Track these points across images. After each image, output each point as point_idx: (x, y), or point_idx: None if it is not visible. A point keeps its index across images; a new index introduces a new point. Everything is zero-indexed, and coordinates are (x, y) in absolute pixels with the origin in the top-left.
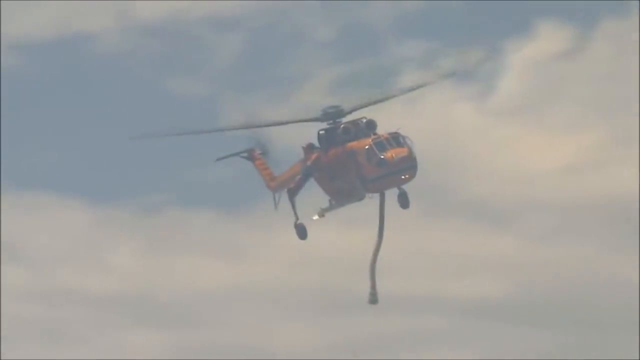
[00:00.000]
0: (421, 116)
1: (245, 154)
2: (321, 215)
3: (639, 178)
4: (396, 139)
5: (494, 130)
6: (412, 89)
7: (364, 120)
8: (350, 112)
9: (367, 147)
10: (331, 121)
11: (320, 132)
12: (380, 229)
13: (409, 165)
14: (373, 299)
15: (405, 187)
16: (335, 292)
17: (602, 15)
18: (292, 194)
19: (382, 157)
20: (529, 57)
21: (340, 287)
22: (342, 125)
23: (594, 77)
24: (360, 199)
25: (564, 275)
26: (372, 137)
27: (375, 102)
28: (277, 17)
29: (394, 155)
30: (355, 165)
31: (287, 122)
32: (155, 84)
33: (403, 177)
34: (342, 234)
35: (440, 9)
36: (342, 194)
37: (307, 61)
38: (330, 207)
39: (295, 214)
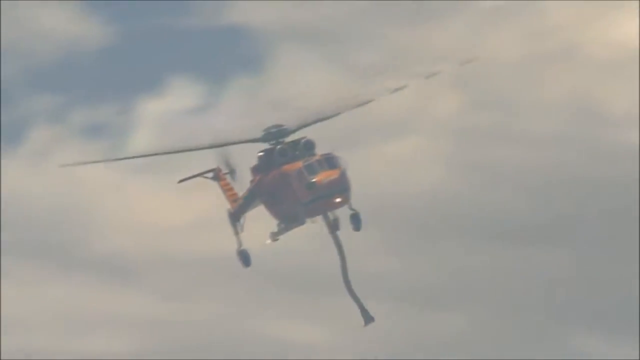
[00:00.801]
0: (48, 173)
1: (210, 174)
2: (274, 239)
3: None
4: (329, 161)
5: (125, 185)
6: (361, 104)
7: (303, 141)
8: (294, 132)
9: (297, 170)
10: (274, 141)
11: (259, 154)
12: (339, 250)
13: (340, 188)
14: (367, 317)
15: (356, 208)
16: None
17: (233, 72)
18: (235, 218)
19: (312, 180)
20: (161, 112)
21: None
22: (277, 147)
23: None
24: (301, 223)
25: (196, 331)
26: (305, 159)
27: (320, 120)
28: None
29: (323, 178)
30: (290, 188)
31: (227, 144)
32: None
33: (336, 200)
34: None
35: (73, 63)
36: (286, 217)
37: None
38: (280, 231)
39: (238, 239)
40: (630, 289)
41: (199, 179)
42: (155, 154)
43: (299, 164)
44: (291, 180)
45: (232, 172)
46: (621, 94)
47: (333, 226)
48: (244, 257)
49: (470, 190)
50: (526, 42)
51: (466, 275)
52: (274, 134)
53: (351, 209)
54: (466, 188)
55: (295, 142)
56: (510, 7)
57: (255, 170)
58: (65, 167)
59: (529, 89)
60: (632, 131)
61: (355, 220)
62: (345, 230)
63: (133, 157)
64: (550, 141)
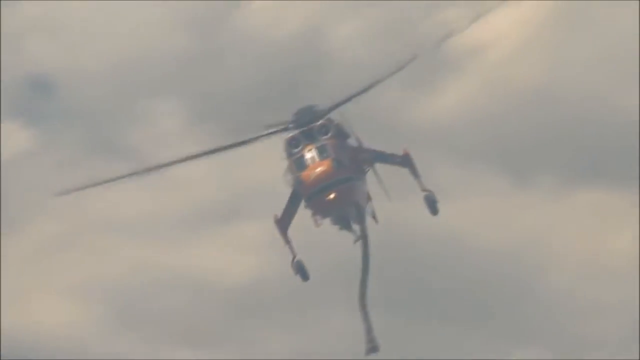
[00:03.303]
0: None
1: None
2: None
3: None
4: (322, 150)
5: None
6: (399, 69)
7: (317, 125)
8: (328, 112)
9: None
10: (306, 127)
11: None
12: (362, 260)
13: (329, 182)
14: (372, 346)
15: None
16: None
17: None
18: (282, 225)
19: (298, 176)
20: None
21: None
22: (288, 136)
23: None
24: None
25: None
26: (299, 150)
27: (356, 95)
28: None
29: (310, 173)
30: None
31: (255, 138)
32: None
33: (329, 197)
34: None
35: None
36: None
37: None
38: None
39: (291, 249)
40: None
41: None
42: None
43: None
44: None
45: None
46: None
47: (428, 205)
48: (300, 269)
49: None
50: None
51: None
52: (305, 119)
53: (424, 189)
54: None
55: (312, 127)
56: None
57: None
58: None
59: None
60: None
61: (430, 202)
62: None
63: (141, 172)
64: None
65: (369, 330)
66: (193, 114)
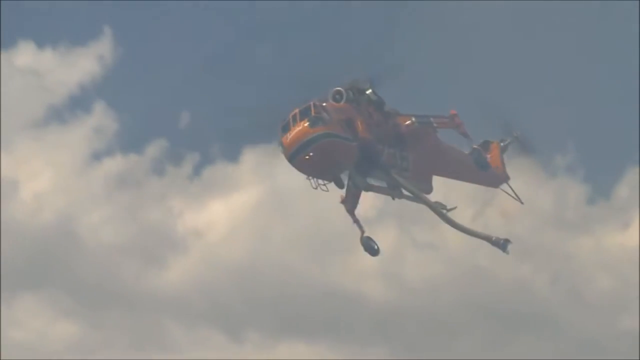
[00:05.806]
0: None
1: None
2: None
3: None
4: (302, 113)
5: None
6: None
7: (332, 92)
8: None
9: None
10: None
11: None
12: (426, 204)
13: (304, 142)
14: (502, 242)
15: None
16: None
17: None
18: (348, 204)
19: (280, 140)
20: None
21: None
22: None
23: None
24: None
25: None
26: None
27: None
28: None
29: (288, 136)
30: None
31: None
32: None
33: (307, 157)
34: None
35: None
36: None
37: None
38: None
39: (359, 225)
40: None
41: None
42: None
43: None
44: None
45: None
46: None
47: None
48: (368, 246)
49: None
50: None
51: None
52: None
53: (473, 147)
54: None
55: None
56: None
57: None
58: None
59: None
60: None
61: (477, 158)
62: None
63: None
64: None
65: (487, 237)
66: None
